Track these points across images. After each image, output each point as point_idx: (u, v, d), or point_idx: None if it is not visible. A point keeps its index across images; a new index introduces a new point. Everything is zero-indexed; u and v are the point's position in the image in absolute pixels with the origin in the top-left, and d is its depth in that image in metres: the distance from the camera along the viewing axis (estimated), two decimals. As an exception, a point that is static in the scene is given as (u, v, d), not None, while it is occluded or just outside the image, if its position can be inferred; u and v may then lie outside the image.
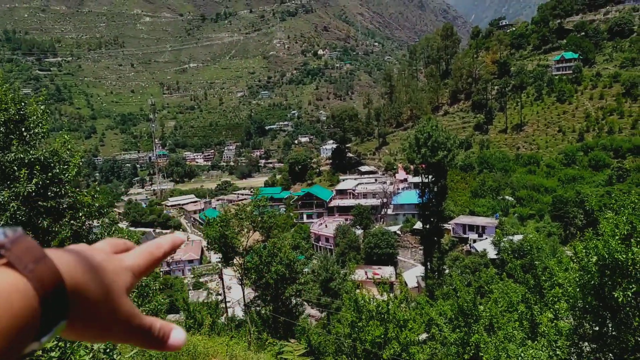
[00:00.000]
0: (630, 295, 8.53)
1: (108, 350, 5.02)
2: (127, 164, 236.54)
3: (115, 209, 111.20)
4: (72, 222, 11.23)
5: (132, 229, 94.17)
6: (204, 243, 51.63)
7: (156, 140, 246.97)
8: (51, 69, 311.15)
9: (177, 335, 0.72)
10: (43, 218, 10.54)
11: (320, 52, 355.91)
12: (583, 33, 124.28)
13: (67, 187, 11.25)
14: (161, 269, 70.44)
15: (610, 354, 9.71)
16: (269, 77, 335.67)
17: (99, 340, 0.64)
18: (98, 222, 13.97)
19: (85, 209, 11.75)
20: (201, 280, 58.75)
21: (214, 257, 56.31)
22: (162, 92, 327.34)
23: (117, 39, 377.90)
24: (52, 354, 4.40)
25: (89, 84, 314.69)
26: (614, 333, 9.38)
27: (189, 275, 71.15)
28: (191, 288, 59.93)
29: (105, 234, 14.70)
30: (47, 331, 0.55)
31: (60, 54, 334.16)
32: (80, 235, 11.94)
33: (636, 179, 68.41)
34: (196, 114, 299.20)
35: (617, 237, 9.00)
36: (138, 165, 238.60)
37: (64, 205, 11.30)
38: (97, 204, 12.34)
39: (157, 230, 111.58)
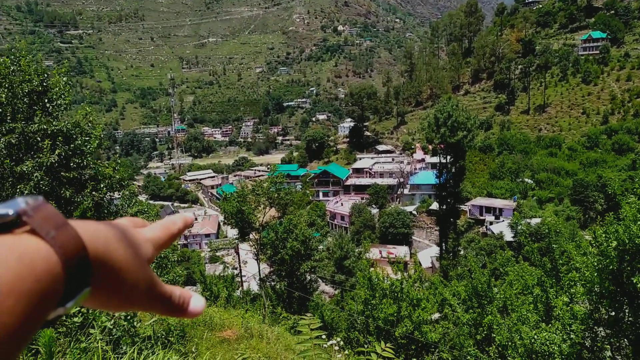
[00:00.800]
0: (649, 281, 8.41)
1: (129, 317, 5.17)
2: (147, 138, 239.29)
3: (135, 182, 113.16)
4: (93, 193, 11.45)
5: (151, 202, 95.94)
6: (221, 218, 52.32)
7: (175, 114, 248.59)
8: (72, 41, 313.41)
9: (197, 302, 0.74)
10: (66, 188, 10.76)
11: (340, 28, 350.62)
12: (613, 11, 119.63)
13: (89, 159, 11.44)
14: (179, 242, 71.81)
15: (626, 340, 9.65)
16: (287, 53, 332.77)
17: (122, 309, 0.65)
18: (119, 194, 14.23)
19: (106, 181, 11.95)
20: (218, 254, 59.78)
21: (231, 232, 57.12)
22: (182, 67, 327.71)
23: (137, 12, 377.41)
24: (75, 319, 4.56)
25: (110, 57, 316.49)
26: (630, 319, 9.29)
27: (205, 249, 72.45)
28: (208, 261, 61.06)
29: (126, 205, 14.99)
30: (71, 297, 0.55)
31: (81, 26, 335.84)
32: (102, 206, 12.20)
33: (661, 164, 66.78)
34: (215, 89, 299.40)
35: (638, 222, 8.84)
36: (157, 140, 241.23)
37: (86, 177, 11.52)
38: (117, 176, 12.55)
39: (175, 204, 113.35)
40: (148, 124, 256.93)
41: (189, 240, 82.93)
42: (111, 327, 4.58)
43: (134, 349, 4.23)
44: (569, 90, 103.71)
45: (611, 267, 9.20)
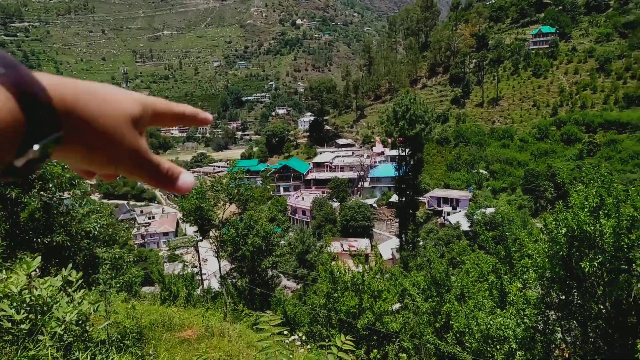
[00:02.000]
0: (596, 265, 8.83)
1: (80, 322, 4.95)
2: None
3: (86, 181, 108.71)
4: (41, 193, 10.90)
5: (104, 201, 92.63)
6: (180, 215, 51.20)
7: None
8: (18, 34, 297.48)
9: (187, 176, 0.72)
10: (11, 189, 10.20)
11: (298, 21, 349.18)
12: (561, 7, 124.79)
13: (35, 157, 10.87)
14: (135, 242, 69.79)
15: (575, 321, 10.12)
16: (246, 47, 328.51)
17: (106, 167, 0.63)
18: (69, 194, 13.64)
19: (55, 180, 11.40)
20: (177, 252, 58.47)
21: (190, 230, 56.02)
22: (135, 61, 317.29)
23: (87, 4, 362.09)
24: (22, 326, 4.31)
25: (58, 50, 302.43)
26: (579, 302, 9.74)
27: (164, 248, 70.76)
28: (166, 260, 59.64)
29: (77, 205, 14.37)
30: (38, 139, 0.54)
31: (27, 18, 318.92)
32: (51, 206, 11.64)
33: (606, 153, 70.47)
34: (171, 83, 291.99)
35: (586, 210, 9.25)
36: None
37: (33, 176, 10.95)
38: (67, 175, 12.00)
39: (132, 203, 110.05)
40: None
41: (146, 240, 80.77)
42: (62, 332, 4.36)
43: (87, 354, 4.03)
44: (520, 83, 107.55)
45: (561, 253, 9.60)
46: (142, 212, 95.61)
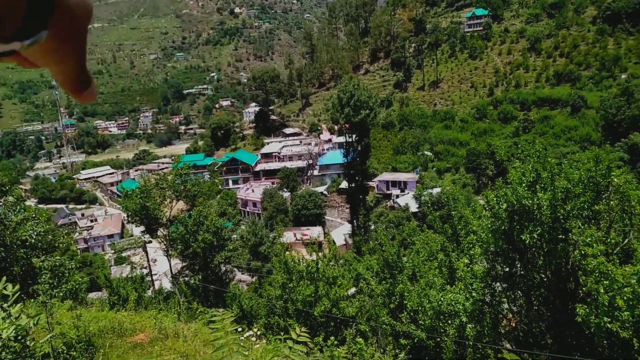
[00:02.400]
0: (535, 237, 9.30)
1: (20, 337, 4.65)
2: (31, 137, 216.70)
3: (20, 186, 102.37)
4: (-34, 203, 10.10)
5: (41, 206, 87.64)
6: (124, 216, 49.27)
7: (62, 109, 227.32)
8: None
9: (94, 88, 0.77)
10: None
11: (237, 10, 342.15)
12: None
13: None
14: (78, 247, 66.59)
15: (519, 291, 10.66)
16: (183, 38, 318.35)
17: (67, 60, 0.64)
18: (1, 201, 12.80)
19: (-19, 188, 10.60)
20: (124, 254, 56.46)
21: (136, 230, 54.11)
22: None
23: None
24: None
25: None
26: (522, 272, 10.26)
27: (109, 251, 68.00)
28: (113, 264, 57.44)
29: (10, 213, 13.47)
30: (31, 34, 0.54)
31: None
32: (-22, 217, 10.82)
33: (540, 130, 74.38)
34: (105, 79, 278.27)
35: (524, 185, 9.70)
36: (43, 137, 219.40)
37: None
38: (-5, 182, 11.19)
39: (71, 206, 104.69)
40: (31, 121, 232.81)
41: (90, 244, 77.19)
42: (-1, 350, 4.06)
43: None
44: (458, 65, 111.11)
45: (503, 227, 10.03)
46: (83, 215, 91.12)
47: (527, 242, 9.32)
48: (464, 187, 61.14)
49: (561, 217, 9.12)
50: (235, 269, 33.22)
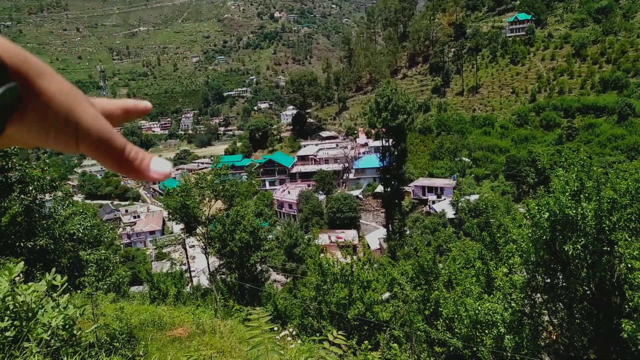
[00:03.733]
0: (579, 248, 9.02)
1: (67, 326, 4.89)
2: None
3: (68, 182, 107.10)
4: (22, 196, 10.70)
5: (88, 201, 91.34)
6: (165, 214, 50.76)
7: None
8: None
9: (161, 163, 0.68)
10: (-11, 194, 9.99)
11: (276, 14, 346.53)
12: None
13: (14, 160, 10.65)
14: (121, 242, 68.97)
15: (561, 304, 10.34)
16: (224, 42, 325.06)
17: (67, 141, 0.60)
18: (50, 196, 13.42)
19: (35, 183, 11.21)
20: (164, 251, 58.07)
21: (176, 228, 55.59)
22: (112, 58, 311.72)
23: (60, 2, 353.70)
24: (7, 333, 4.24)
25: (32, 50, 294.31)
26: (564, 284, 9.95)
27: (151, 247, 70.14)
28: (154, 259, 59.19)
29: (59, 207, 14.14)
30: None
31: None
32: (32, 210, 11.44)
33: (584, 137, 71.71)
34: (150, 80, 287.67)
35: (567, 194, 9.43)
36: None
37: (12, 180, 10.74)
38: (48, 177, 11.80)
39: (116, 202, 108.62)
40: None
41: (132, 239, 79.93)
42: (48, 338, 4.30)
43: (75, 358, 3.99)
44: (498, 71, 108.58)
45: (544, 237, 9.78)
46: (126, 211, 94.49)
47: (570, 253, 9.05)
48: (503, 194, 59.66)
49: (607, 228, 8.81)
50: (271, 269, 33.62)
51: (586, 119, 78.74)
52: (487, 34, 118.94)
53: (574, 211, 9.05)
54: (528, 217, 10.77)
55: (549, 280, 10.25)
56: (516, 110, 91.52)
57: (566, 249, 9.08)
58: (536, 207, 10.09)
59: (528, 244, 10.37)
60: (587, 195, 9.22)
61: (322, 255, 15.88)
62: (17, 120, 0.55)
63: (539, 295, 10.74)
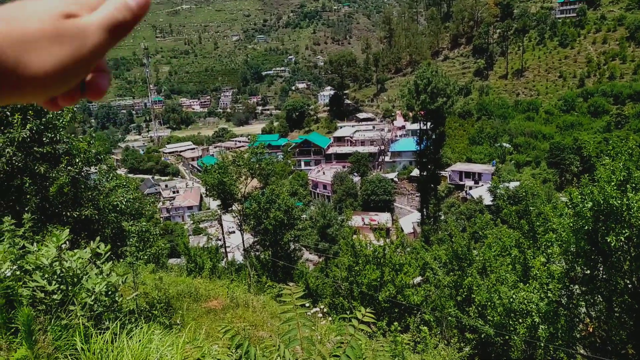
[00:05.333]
0: (622, 240, 8.69)
1: (110, 292, 5.13)
2: (123, 110, 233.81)
3: (112, 156, 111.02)
4: (69, 168, 11.17)
5: (130, 175, 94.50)
6: (203, 190, 51.96)
7: (151, 86, 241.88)
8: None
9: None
10: (39, 164, 10.47)
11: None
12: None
13: (62, 133, 11.10)
14: (161, 215, 71.27)
15: (599, 296, 10.04)
16: (264, 20, 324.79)
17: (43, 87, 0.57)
18: (95, 169, 13.93)
19: (81, 155, 11.65)
20: (201, 226, 59.61)
21: (213, 204, 56.88)
22: (155, 36, 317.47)
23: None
24: (54, 296, 4.50)
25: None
26: (604, 276, 9.64)
27: (188, 221, 72.19)
28: (191, 233, 60.93)
29: (104, 179, 14.71)
30: None
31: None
32: (79, 181, 11.94)
33: (635, 126, 68.20)
34: (191, 58, 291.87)
35: (612, 183, 9.05)
36: (134, 112, 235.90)
37: (60, 152, 11.20)
38: (93, 150, 12.25)
39: (156, 177, 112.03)
40: (123, 96, 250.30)
41: (171, 213, 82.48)
42: (92, 303, 4.53)
43: (117, 323, 4.20)
44: (546, 54, 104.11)
45: (586, 227, 9.46)
46: (166, 186, 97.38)
47: (612, 244, 8.73)
48: (545, 182, 57.82)
49: (654, 220, 8.44)
50: (304, 248, 34.04)
51: (637, 106, 74.75)
52: (536, 15, 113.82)
53: (619, 201, 8.70)
54: (570, 206, 10.43)
55: (588, 271, 9.95)
56: (563, 96, 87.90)
57: (609, 240, 8.77)
58: (579, 196, 9.75)
59: (569, 234, 10.07)
60: (634, 185, 8.83)
61: (355, 236, 15.94)
62: None
63: (577, 286, 10.46)
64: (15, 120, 9.85)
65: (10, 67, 0.53)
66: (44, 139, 10.59)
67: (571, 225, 9.94)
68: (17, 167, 9.95)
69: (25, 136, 9.95)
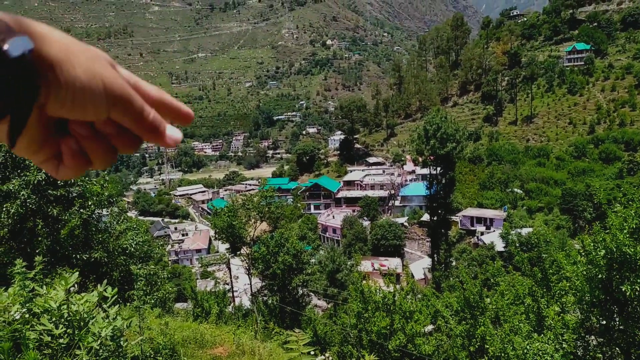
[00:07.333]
0: (638, 289, 8.48)
1: (115, 337, 5.10)
2: (136, 154, 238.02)
3: (124, 198, 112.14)
4: (81, 210, 11.33)
5: (141, 217, 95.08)
6: (212, 233, 52.00)
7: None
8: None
9: (175, 131, 0.69)
10: (53, 206, 10.65)
11: (328, 42, 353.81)
12: (596, 24, 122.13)
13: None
14: (169, 258, 71.06)
15: (617, 348, 9.68)
16: (277, 68, 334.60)
17: (93, 108, 0.59)
18: (107, 211, 14.09)
19: (94, 198, 11.84)
20: (209, 269, 59.21)
21: (222, 247, 56.70)
22: (171, 82, 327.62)
23: (126, 29, 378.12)
24: (61, 340, 4.48)
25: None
26: (621, 327, 9.33)
27: (196, 265, 71.74)
28: (199, 277, 60.44)
29: (115, 222, 14.85)
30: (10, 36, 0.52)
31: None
32: (90, 223, 12.07)
33: (647, 172, 67.69)
34: (204, 104, 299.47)
35: (625, 231, 8.93)
36: (147, 155, 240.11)
37: (74, 194, 11.41)
38: (106, 193, 12.45)
39: (166, 220, 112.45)
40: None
41: (179, 256, 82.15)
42: (97, 347, 4.50)
43: (122, 368, 4.15)
44: (555, 101, 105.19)
45: (600, 275, 9.27)
46: (176, 229, 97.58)
47: (627, 294, 8.51)
48: (558, 229, 56.95)
49: (670, 270, 8.25)
50: (312, 294, 33.49)
51: (649, 153, 74.51)
52: (544, 63, 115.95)
53: (633, 249, 8.55)
54: (583, 254, 10.26)
55: (604, 322, 9.65)
56: (573, 142, 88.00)
57: (624, 289, 8.56)
58: (592, 244, 9.61)
59: (582, 282, 9.85)
60: (647, 233, 8.70)
61: (364, 282, 15.70)
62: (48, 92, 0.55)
63: (593, 337, 10.11)
64: (31, 164, 10.12)
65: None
66: (59, 181, 10.82)
67: (585, 273, 9.74)
68: (30, 210, 10.13)
69: (40, 179, 10.18)
